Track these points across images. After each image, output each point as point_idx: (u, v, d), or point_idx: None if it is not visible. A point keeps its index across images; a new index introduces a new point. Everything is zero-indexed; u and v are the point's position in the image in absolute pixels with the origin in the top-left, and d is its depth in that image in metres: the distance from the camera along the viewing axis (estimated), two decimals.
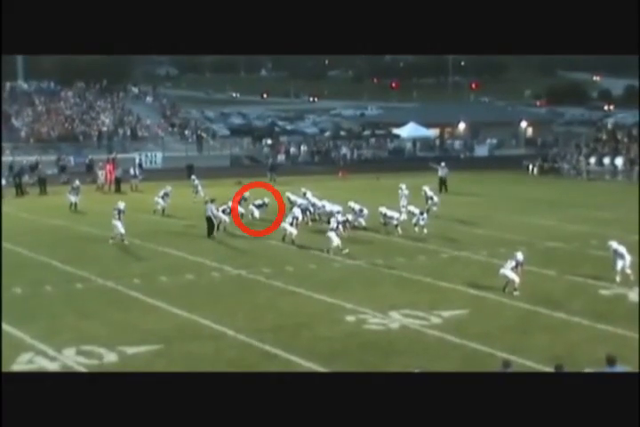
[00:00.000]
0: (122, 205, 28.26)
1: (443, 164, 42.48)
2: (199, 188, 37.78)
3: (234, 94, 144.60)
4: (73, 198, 35.31)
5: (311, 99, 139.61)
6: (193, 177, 40.04)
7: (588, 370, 12.41)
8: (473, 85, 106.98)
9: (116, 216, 27.63)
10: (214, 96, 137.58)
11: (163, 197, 34.02)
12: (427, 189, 33.71)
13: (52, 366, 15.66)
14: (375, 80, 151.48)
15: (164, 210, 33.78)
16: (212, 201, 29.50)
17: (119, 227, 27.44)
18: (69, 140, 56.15)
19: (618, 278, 21.55)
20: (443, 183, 41.49)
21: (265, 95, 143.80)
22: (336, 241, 25.38)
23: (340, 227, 26.51)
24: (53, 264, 24.47)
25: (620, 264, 21.51)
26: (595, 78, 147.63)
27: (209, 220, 28.61)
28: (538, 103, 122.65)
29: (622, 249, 21.60)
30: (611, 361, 12.48)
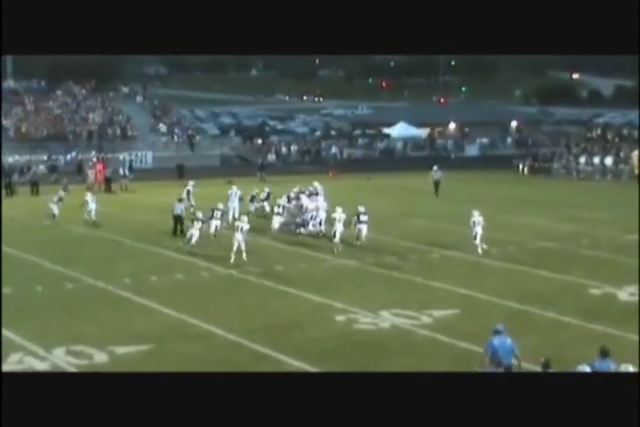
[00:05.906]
0: (221, 205, 28.30)
1: (435, 167, 42.11)
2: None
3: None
4: (55, 208, 32.20)
5: (316, 99, 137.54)
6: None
7: (580, 366, 12.44)
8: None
9: (217, 215, 27.55)
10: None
11: (187, 195, 33.39)
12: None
13: (41, 367, 15.60)
14: (370, 80, 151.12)
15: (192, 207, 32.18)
16: (180, 200, 29.44)
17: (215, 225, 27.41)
18: (59, 140, 55.93)
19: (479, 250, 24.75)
20: (437, 187, 41.53)
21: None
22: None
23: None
24: (44, 264, 24.38)
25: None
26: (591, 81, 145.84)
27: (176, 218, 28.53)
28: None
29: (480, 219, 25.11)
30: (604, 353, 12.67)
